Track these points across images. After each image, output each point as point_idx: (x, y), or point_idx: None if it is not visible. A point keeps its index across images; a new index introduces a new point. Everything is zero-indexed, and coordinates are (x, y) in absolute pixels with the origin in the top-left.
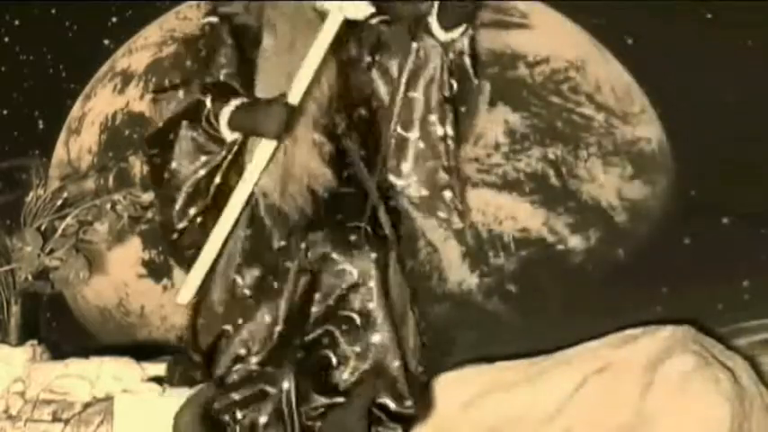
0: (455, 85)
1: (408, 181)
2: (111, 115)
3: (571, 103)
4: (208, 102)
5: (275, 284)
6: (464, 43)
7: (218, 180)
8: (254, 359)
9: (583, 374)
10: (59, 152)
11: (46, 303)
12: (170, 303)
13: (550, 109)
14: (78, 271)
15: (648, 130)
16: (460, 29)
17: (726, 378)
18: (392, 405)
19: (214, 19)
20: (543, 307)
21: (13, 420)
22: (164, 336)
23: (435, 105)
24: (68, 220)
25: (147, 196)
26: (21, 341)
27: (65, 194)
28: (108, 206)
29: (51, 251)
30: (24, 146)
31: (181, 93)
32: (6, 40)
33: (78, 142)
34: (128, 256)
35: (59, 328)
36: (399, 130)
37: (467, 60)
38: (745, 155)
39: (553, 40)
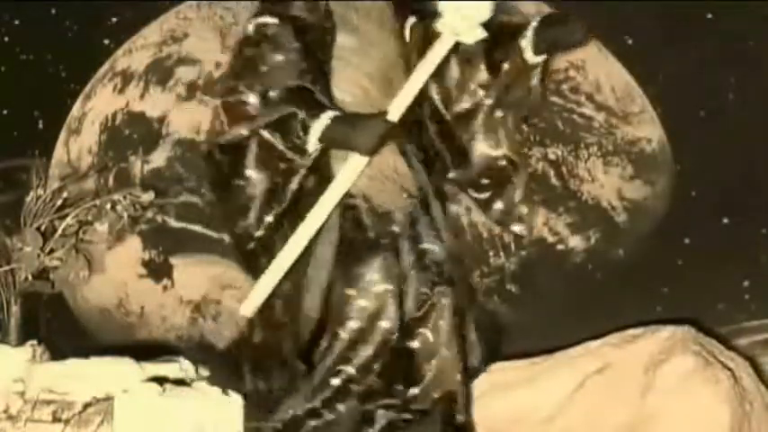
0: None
1: (484, 195)
2: (111, 115)
3: (571, 103)
4: (301, 114)
5: (386, 287)
6: (546, 66)
7: (294, 186)
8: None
9: (583, 374)
10: (59, 152)
11: (46, 303)
12: (170, 303)
13: (551, 109)
14: (78, 271)
15: (649, 131)
16: (550, 55)
17: (726, 378)
18: (459, 418)
19: (271, 20)
20: (543, 307)
21: (13, 420)
22: (164, 336)
23: (518, 126)
24: (68, 220)
25: (147, 196)
26: (21, 341)
27: (65, 194)
28: (108, 206)
29: (51, 251)
30: (24, 146)
31: (251, 97)
32: (6, 39)
33: (78, 142)
34: (128, 256)
35: (59, 328)
36: (486, 149)
37: (535, 80)
38: (745, 155)
39: None
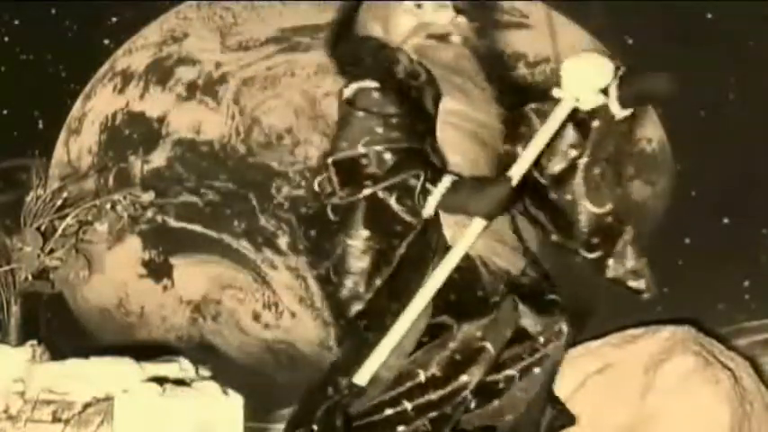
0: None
1: (596, 254)
2: (111, 115)
3: None
4: (422, 176)
5: (484, 345)
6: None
7: (402, 251)
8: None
9: (583, 374)
10: (59, 152)
11: (46, 303)
12: (170, 303)
13: None
14: (78, 271)
15: (649, 131)
16: (635, 108)
17: (726, 378)
18: None
19: (372, 84)
20: None
21: (13, 420)
22: (164, 336)
23: (618, 179)
24: (68, 220)
25: (147, 196)
26: (21, 341)
27: (65, 194)
28: (108, 206)
29: (51, 251)
30: (24, 146)
31: (370, 157)
32: (6, 39)
33: (78, 142)
34: (128, 256)
35: (59, 328)
36: (590, 207)
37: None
38: (745, 155)
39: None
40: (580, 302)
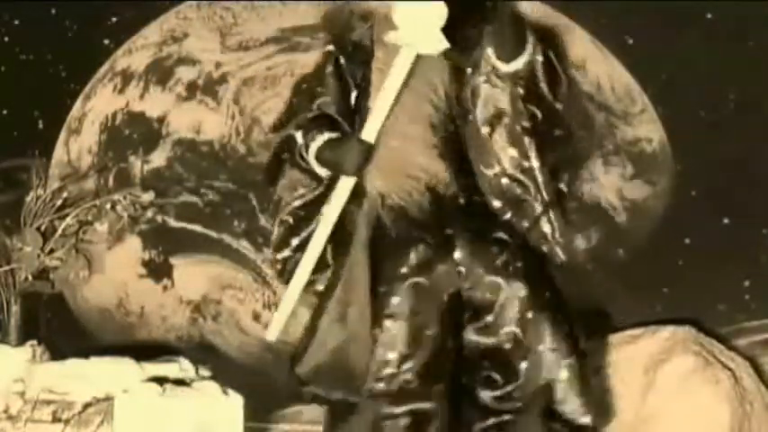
0: (538, 114)
1: (503, 217)
2: (111, 115)
3: None
4: (299, 137)
5: (420, 281)
6: (536, 68)
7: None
8: (406, 365)
9: None
10: (59, 152)
11: (46, 303)
12: (170, 303)
13: None
14: (78, 271)
15: (649, 130)
16: (522, 58)
17: (726, 378)
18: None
19: (329, 47)
20: None
21: (13, 421)
22: (164, 336)
23: (513, 139)
24: (68, 220)
25: (147, 196)
26: (21, 341)
27: (65, 194)
28: (108, 206)
29: (51, 251)
30: (24, 146)
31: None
32: (6, 39)
33: (78, 142)
34: (128, 256)
35: (59, 328)
36: (482, 168)
37: (543, 86)
38: (745, 155)
39: None
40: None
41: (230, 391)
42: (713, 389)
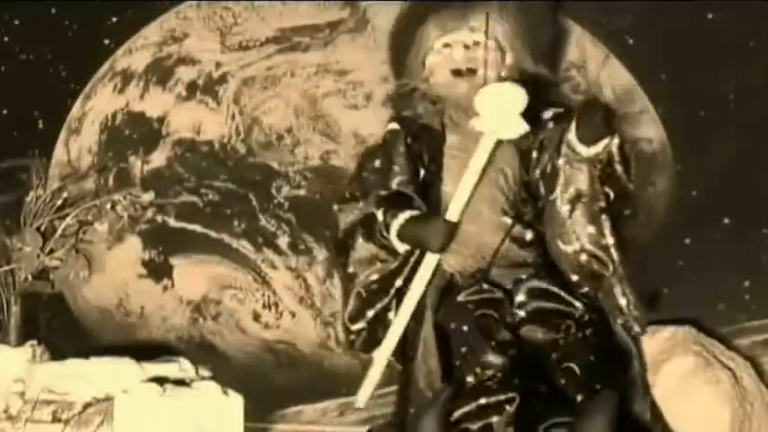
0: (611, 195)
1: (580, 290)
2: (111, 115)
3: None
4: (379, 215)
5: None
6: (613, 151)
7: (398, 284)
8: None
9: None
10: (59, 152)
11: (46, 303)
12: (170, 303)
13: None
14: (78, 271)
15: (649, 131)
16: (603, 141)
17: (727, 378)
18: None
19: (395, 126)
20: None
21: (13, 421)
22: (164, 336)
23: (592, 217)
24: (68, 220)
25: (148, 196)
26: (21, 341)
27: (65, 194)
28: (108, 206)
29: (51, 251)
30: (24, 146)
31: (361, 204)
32: (6, 39)
33: (78, 142)
34: (128, 256)
35: (59, 328)
36: (561, 245)
37: (618, 168)
38: (745, 155)
39: None
40: None
41: (230, 391)
42: (713, 389)
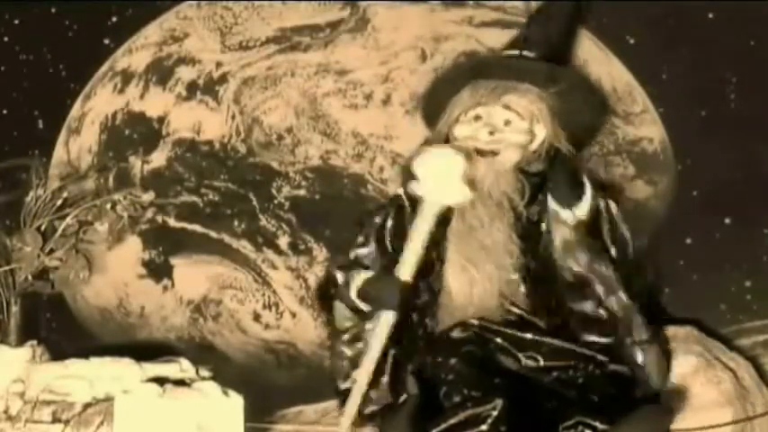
0: (613, 252)
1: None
2: (111, 115)
3: None
4: (339, 276)
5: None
6: (599, 216)
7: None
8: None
9: None
10: (59, 152)
11: (46, 303)
12: (170, 304)
13: None
14: (78, 271)
15: (650, 130)
16: (584, 204)
17: (728, 379)
18: None
19: (401, 191)
20: None
21: (13, 421)
22: (164, 336)
23: (596, 277)
24: (68, 220)
25: (147, 196)
26: (20, 341)
27: (65, 194)
28: (108, 206)
29: (51, 251)
30: (24, 146)
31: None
32: (6, 39)
33: (78, 142)
34: (128, 256)
35: (59, 329)
36: (570, 305)
37: (605, 234)
38: (746, 155)
39: None
40: None
41: (230, 391)
42: (715, 389)
